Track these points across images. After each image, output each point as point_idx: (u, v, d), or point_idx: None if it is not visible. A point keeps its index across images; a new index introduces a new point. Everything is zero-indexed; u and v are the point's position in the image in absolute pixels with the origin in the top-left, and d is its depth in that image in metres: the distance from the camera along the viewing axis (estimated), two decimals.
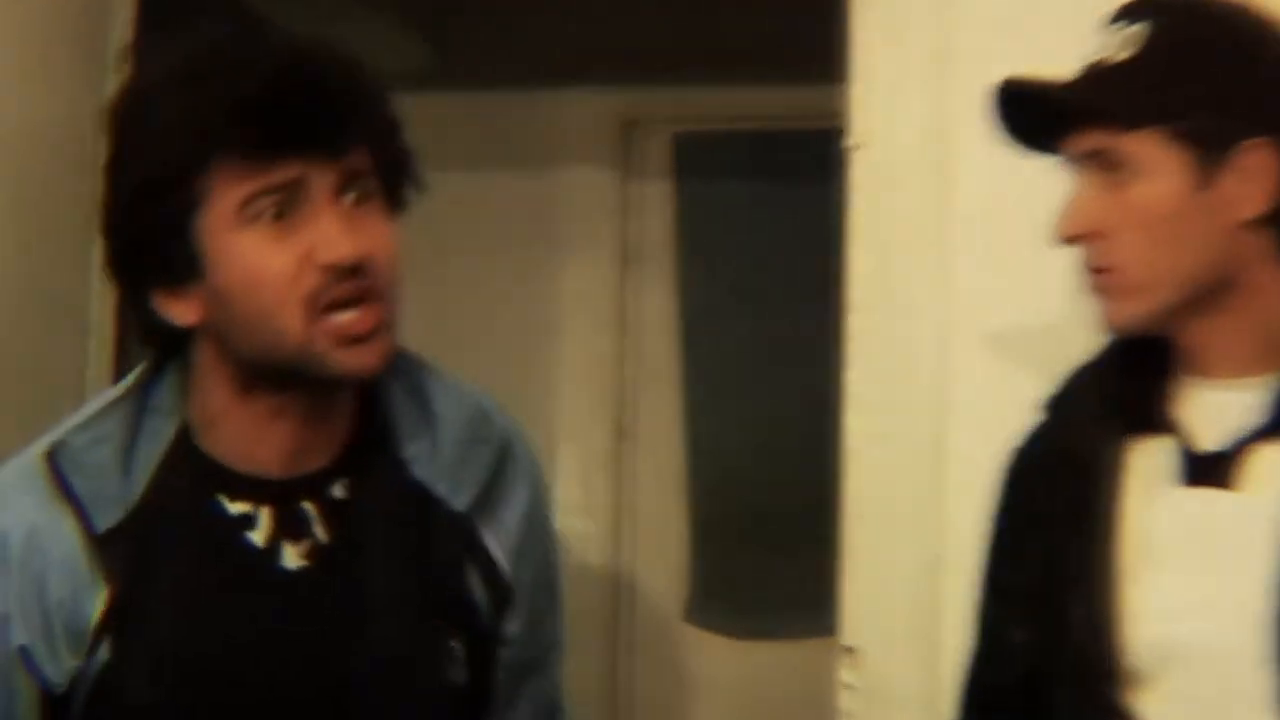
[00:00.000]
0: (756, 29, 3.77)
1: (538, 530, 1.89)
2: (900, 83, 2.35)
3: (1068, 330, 2.00)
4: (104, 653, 1.69)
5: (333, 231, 1.64)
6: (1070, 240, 1.77)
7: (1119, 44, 1.74)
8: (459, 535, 1.79)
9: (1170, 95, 1.71)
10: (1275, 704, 1.66)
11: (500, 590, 1.82)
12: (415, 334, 1.80)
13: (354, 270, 1.64)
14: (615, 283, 4.51)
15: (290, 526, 1.75)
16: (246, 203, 1.63)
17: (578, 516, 4.33)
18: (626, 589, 4.45)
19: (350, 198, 1.67)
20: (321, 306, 1.64)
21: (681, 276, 4.53)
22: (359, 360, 1.67)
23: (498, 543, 1.82)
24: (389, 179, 1.72)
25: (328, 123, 1.64)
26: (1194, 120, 1.70)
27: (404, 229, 1.74)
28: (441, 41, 4.12)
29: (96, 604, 1.69)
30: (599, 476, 4.46)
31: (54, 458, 1.73)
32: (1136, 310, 1.75)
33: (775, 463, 4.35)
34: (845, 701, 2.35)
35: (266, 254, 1.64)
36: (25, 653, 1.70)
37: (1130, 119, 1.71)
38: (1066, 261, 1.81)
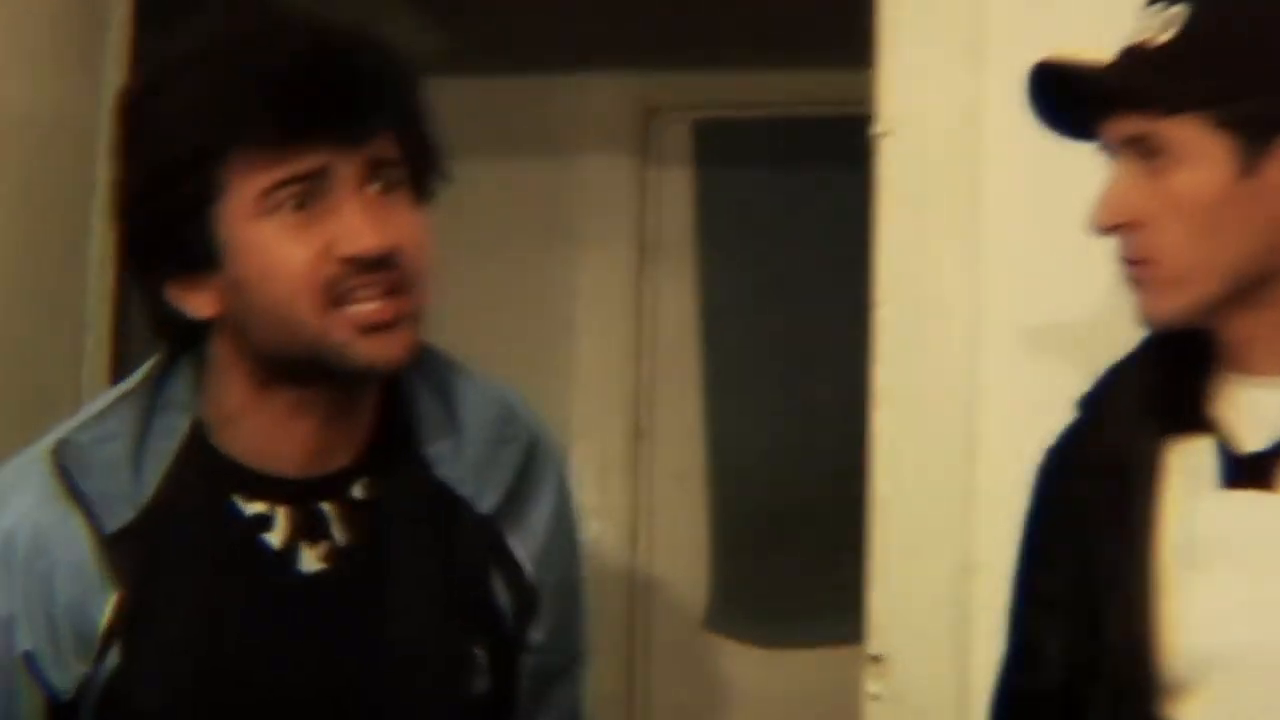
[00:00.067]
0: (780, 11, 3.75)
1: (564, 533, 1.87)
2: (930, 67, 2.35)
3: (1104, 325, 2.02)
4: (113, 658, 1.66)
5: (356, 222, 1.60)
6: (1107, 230, 1.74)
7: (1159, 25, 1.71)
8: (483, 539, 1.77)
9: (1213, 79, 1.68)
10: None
11: (525, 596, 1.79)
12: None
13: (380, 262, 1.61)
14: (633, 275, 4.54)
15: (308, 528, 1.71)
16: (267, 192, 1.59)
17: (593, 519, 4.30)
18: (644, 594, 4.48)
19: (376, 187, 1.63)
20: (339, 297, 1.61)
21: (702, 269, 4.56)
22: (381, 350, 1.63)
23: (523, 546, 1.79)
24: (416, 167, 1.69)
25: (353, 109, 1.61)
26: (1238, 106, 1.67)
27: None
28: (456, 26, 4.10)
29: (105, 607, 1.65)
30: (615, 477, 4.47)
31: (61, 455, 1.69)
32: (1176, 303, 1.72)
33: (799, 463, 4.37)
34: (872, 712, 2.34)
35: (287, 245, 1.60)
36: (30, 658, 1.67)
37: (1171, 104, 1.68)
38: (1103, 253, 1.78)
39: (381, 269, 1.61)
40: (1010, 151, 2.24)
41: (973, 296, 2.30)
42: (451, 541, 1.75)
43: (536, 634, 1.81)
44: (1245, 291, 1.70)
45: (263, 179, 1.59)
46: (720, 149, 4.55)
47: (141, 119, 1.67)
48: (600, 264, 4.50)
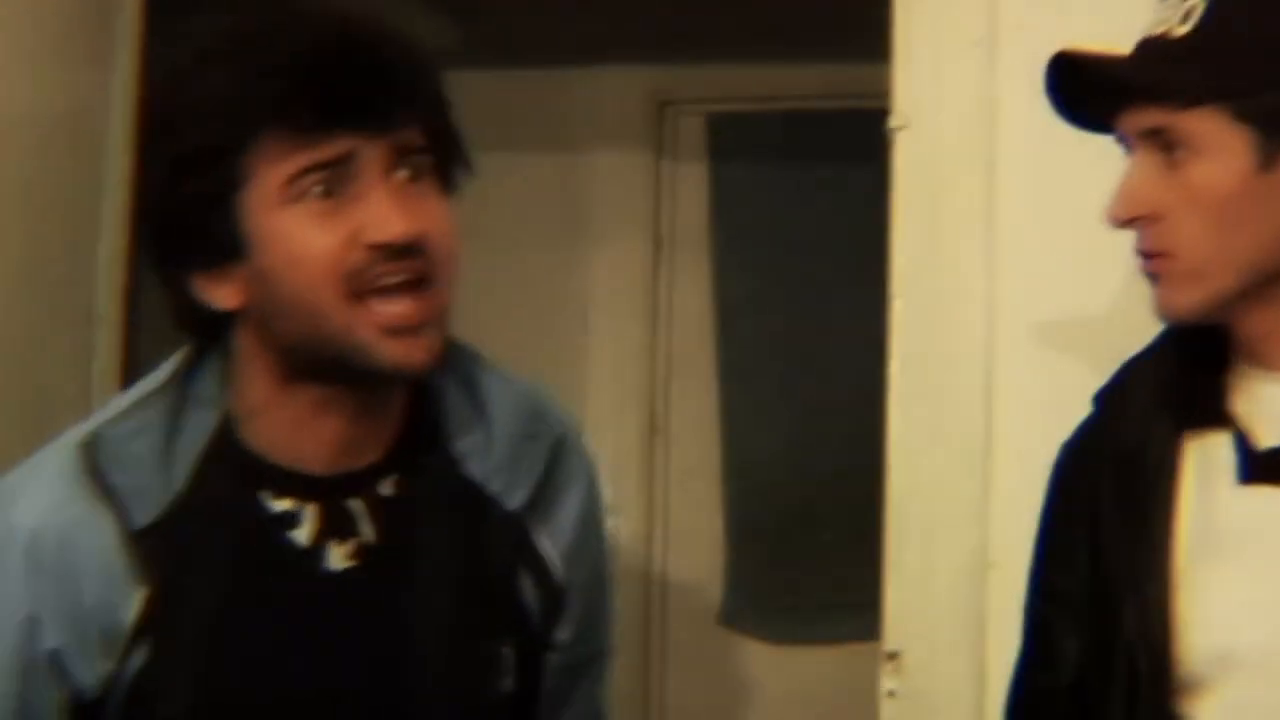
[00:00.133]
0: (794, 4, 3.75)
1: (591, 531, 1.86)
2: (946, 60, 2.34)
3: (1121, 319, 2.01)
4: (140, 655, 1.64)
5: (383, 209, 1.58)
6: (1124, 223, 1.73)
7: (1178, 17, 1.70)
8: (511, 536, 1.76)
9: (1232, 72, 1.67)
10: None
11: (552, 594, 1.79)
12: None
13: (407, 250, 1.59)
14: (647, 269, 4.54)
15: (336, 525, 1.70)
16: (293, 179, 1.58)
17: (607, 515, 4.30)
18: (659, 591, 4.47)
19: (403, 174, 1.62)
20: (366, 289, 1.59)
21: (716, 263, 4.56)
22: (406, 354, 1.61)
23: (551, 544, 1.79)
24: (442, 155, 1.67)
25: (379, 95, 1.60)
26: (1257, 99, 1.66)
27: None
28: (469, 20, 4.10)
29: (133, 605, 1.64)
30: (629, 474, 4.45)
31: (92, 449, 1.68)
32: (1193, 297, 1.71)
33: (815, 459, 4.37)
34: (888, 710, 2.33)
35: (312, 233, 1.58)
36: (56, 656, 1.65)
37: (1190, 96, 1.67)
38: (1120, 246, 1.77)
39: (408, 256, 1.59)
40: (1026, 145, 2.23)
41: (989, 290, 2.29)
42: (479, 539, 1.74)
43: (563, 633, 1.81)
44: (1262, 286, 1.69)
45: (288, 166, 1.57)
46: (734, 143, 4.54)
47: (166, 107, 1.66)
48: (614, 258, 4.50)
